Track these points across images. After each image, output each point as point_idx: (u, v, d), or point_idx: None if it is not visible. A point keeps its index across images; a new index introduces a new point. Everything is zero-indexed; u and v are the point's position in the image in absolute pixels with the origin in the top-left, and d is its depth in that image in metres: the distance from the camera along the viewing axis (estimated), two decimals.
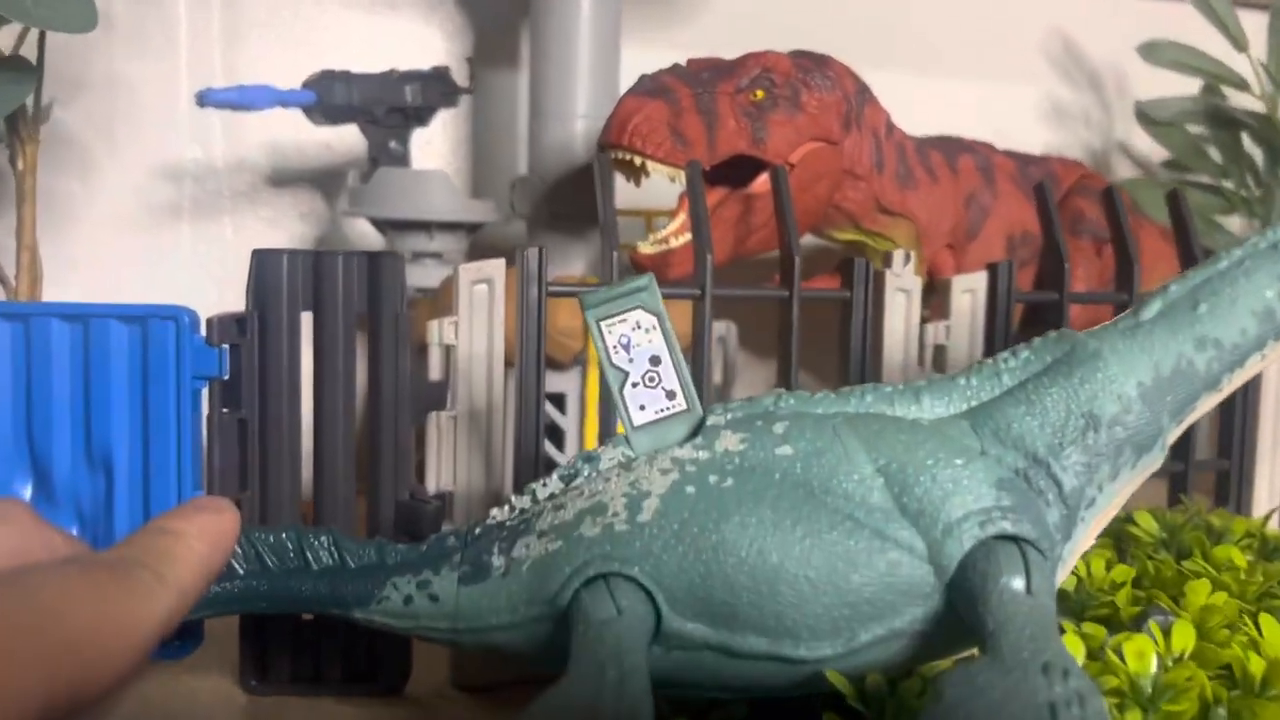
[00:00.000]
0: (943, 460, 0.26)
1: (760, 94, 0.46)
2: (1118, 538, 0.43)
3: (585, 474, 0.28)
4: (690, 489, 0.26)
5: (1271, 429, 0.52)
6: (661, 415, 0.28)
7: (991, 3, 0.82)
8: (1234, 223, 0.74)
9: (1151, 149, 0.82)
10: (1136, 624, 0.31)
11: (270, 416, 0.37)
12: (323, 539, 0.30)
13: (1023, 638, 0.22)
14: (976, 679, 0.21)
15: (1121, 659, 0.27)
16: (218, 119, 0.66)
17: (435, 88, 0.56)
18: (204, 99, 0.53)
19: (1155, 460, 0.28)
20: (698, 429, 0.28)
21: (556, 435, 0.53)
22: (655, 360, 0.28)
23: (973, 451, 0.26)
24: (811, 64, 0.49)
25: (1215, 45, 0.72)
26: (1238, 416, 0.51)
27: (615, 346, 0.28)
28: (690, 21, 0.74)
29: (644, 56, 0.64)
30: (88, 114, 0.65)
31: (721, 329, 0.59)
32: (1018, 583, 0.24)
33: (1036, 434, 0.26)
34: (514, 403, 0.39)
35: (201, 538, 0.26)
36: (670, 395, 0.28)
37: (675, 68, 0.47)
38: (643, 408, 0.28)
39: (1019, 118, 0.83)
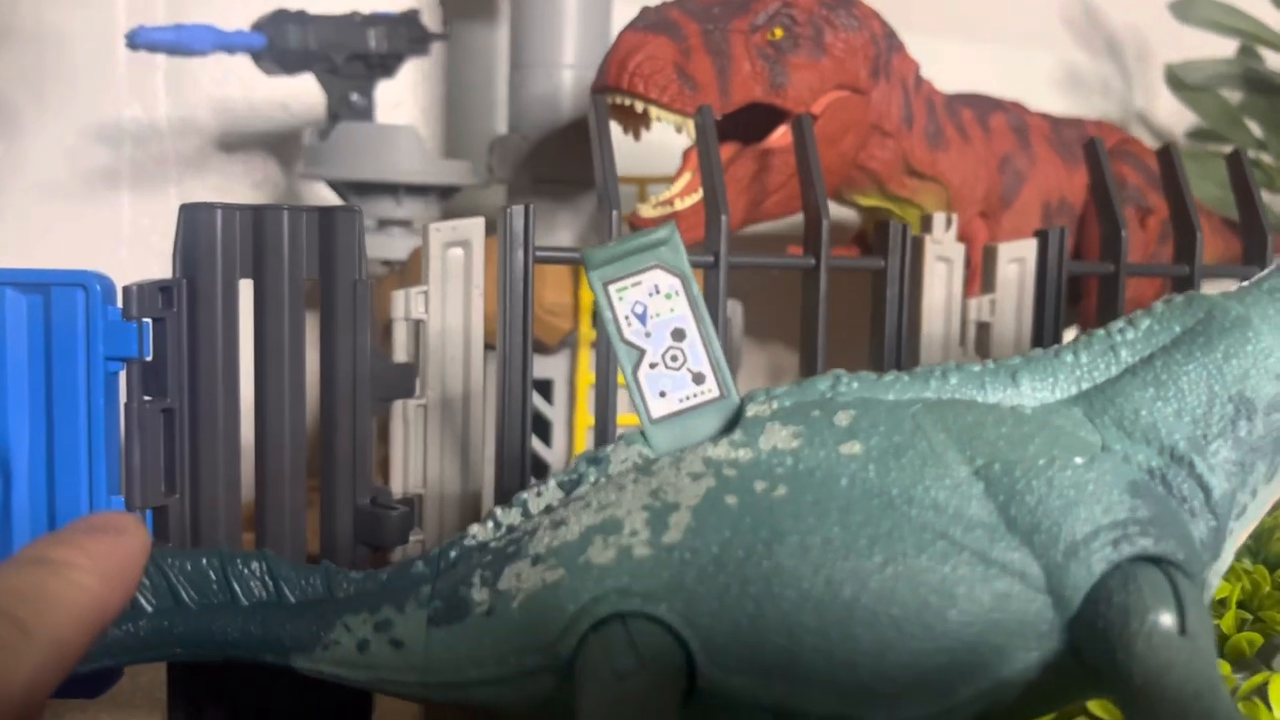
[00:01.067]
0: (1059, 459, 0.20)
1: (779, 32, 0.40)
2: None
3: (591, 480, 0.22)
4: (731, 499, 0.20)
5: None
6: (688, 404, 0.22)
7: None
8: (1270, 198, 0.69)
9: (1174, 120, 0.77)
10: (1264, 658, 0.26)
11: (202, 405, 0.31)
12: (254, 565, 0.23)
13: (1185, 695, 0.17)
14: None
15: (1267, 704, 0.22)
16: (160, 73, 0.60)
17: (403, 32, 0.49)
18: (135, 39, 0.46)
19: None
20: (735, 421, 0.22)
21: (542, 427, 0.47)
22: (679, 334, 0.22)
23: (1094, 447, 0.20)
24: (836, 1, 0.43)
25: (1254, 3, 0.67)
26: None
27: (628, 317, 0.22)
28: None
29: (628, 10, 0.58)
30: (12, 67, 0.58)
31: (726, 309, 0.53)
32: (1168, 619, 0.18)
33: (1173, 424, 0.21)
34: (495, 389, 0.33)
35: (93, 570, 0.20)
36: (698, 379, 0.22)
37: (681, 1, 0.41)
38: (663, 394, 0.22)
39: (1033, 85, 0.78)
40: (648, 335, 0.22)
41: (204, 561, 0.23)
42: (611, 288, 0.22)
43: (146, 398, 0.31)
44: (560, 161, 0.50)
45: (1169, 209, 0.43)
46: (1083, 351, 0.22)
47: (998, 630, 0.19)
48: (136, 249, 0.61)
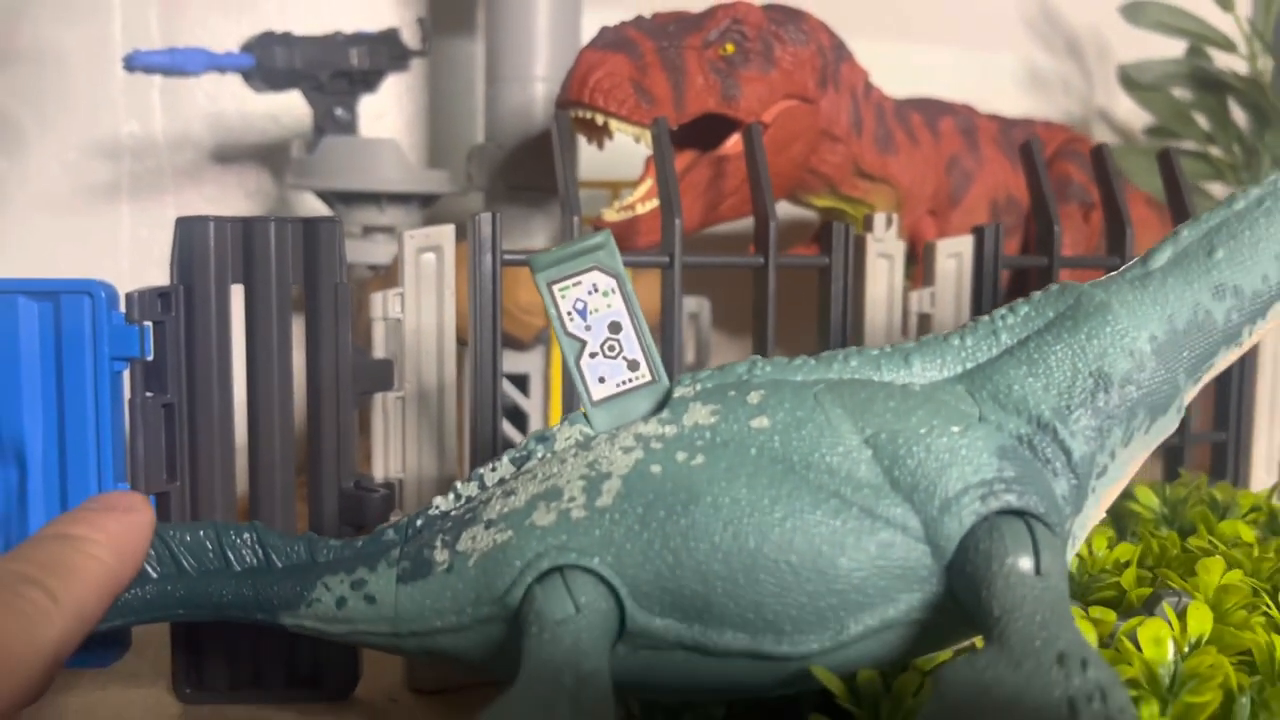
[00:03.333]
0: (937, 428, 0.23)
1: (730, 48, 0.43)
2: (1117, 515, 0.40)
3: (539, 456, 0.25)
4: (656, 468, 0.23)
5: (1269, 400, 0.50)
6: (623, 388, 0.25)
7: None
8: (1220, 190, 0.72)
9: (1133, 116, 0.80)
10: (1147, 607, 0.29)
11: (199, 400, 0.34)
12: (245, 536, 0.26)
13: (1033, 624, 0.20)
14: (984, 674, 0.19)
15: (1136, 646, 0.25)
16: (156, 90, 0.63)
17: (384, 50, 0.52)
18: (132, 62, 0.49)
19: (1170, 424, 0.25)
20: (664, 402, 0.25)
21: (519, 419, 0.50)
22: (615, 327, 0.25)
23: (970, 418, 0.23)
24: (785, 16, 0.46)
25: (1201, 5, 0.70)
26: (1233, 388, 0.49)
27: (570, 313, 0.25)
28: None
29: (608, 14, 0.61)
30: (14, 86, 0.61)
31: (694, 305, 0.56)
32: (1025, 562, 0.21)
33: (1041, 396, 0.24)
34: (469, 381, 0.36)
35: (107, 544, 0.23)
36: (633, 366, 0.25)
37: (639, 20, 0.44)
38: (602, 380, 0.25)
39: (997, 85, 0.81)
40: (588, 328, 0.25)
41: (201, 533, 0.26)
42: (555, 287, 0.25)
43: (148, 394, 0.34)
44: (534, 169, 0.53)
45: (1102, 203, 0.46)
46: (968, 336, 0.25)
47: (883, 574, 0.22)
48: (136, 257, 0.64)
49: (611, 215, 0.44)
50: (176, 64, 0.49)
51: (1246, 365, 0.49)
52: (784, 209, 0.54)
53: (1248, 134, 0.69)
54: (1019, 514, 0.22)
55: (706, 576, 0.22)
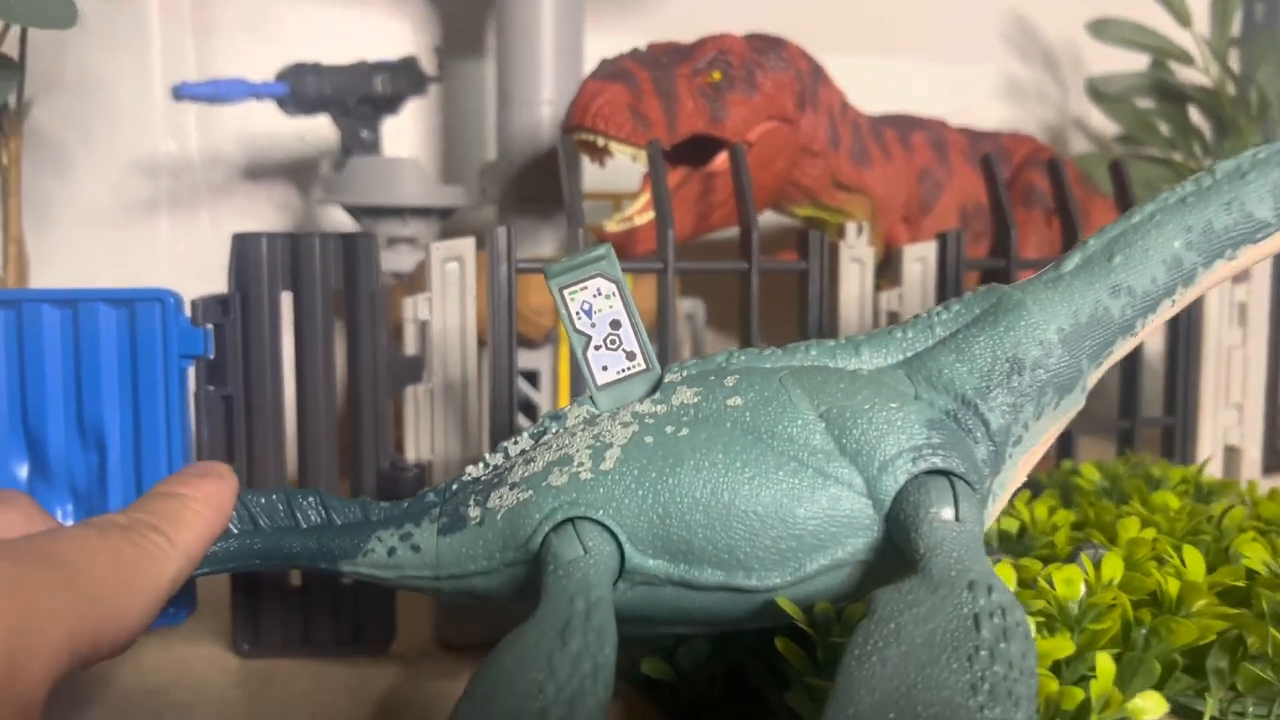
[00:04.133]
0: (878, 404, 0.28)
1: (717, 75, 0.48)
2: (1064, 488, 0.45)
3: (553, 430, 0.30)
4: (649, 439, 0.28)
5: (1213, 386, 0.55)
6: (622, 375, 0.30)
7: None
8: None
9: (1105, 124, 0.85)
10: (1071, 558, 0.33)
11: (254, 392, 0.39)
12: (310, 499, 0.32)
13: (950, 559, 0.24)
14: (908, 596, 0.23)
15: (1051, 586, 0.30)
16: (192, 113, 0.68)
17: (404, 77, 0.57)
18: (179, 93, 0.54)
19: (1077, 402, 0.30)
20: (656, 386, 0.30)
21: (531, 411, 0.55)
22: (615, 324, 0.30)
23: (907, 396, 0.28)
24: (766, 45, 0.50)
25: (1163, 21, 0.74)
26: (1180, 375, 0.53)
27: (578, 313, 0.30)
28: (653, 7, 0.76)
29: (608, 42, 0.66)
30: (63, 111, 0.66)
31: (689, 306, 0.61)
32: (947, 512, 0.26)
33: (965, 378, 0.29)
34: (488, 376, 0.41)
35: (206, 502, 0.28)
36: (630, 356, 0.30)
37: (635, 52, 0.49)
38: (605, 368, 0.30)
39: (976, 96, 0.86)
40: (593, 326, 0.30)
41: (274, 497, 0.31)
42: (565, 292, 0.30)
43: (210, 387, 0.39)
44: (542, 184, 0.58)
45: (1057, 210, 0.51)
46: (909, 329, 0.30)
47: (833, 522, 0.27)
48: (174, 267, 0.69)
49: (612, 227, 0.49)
50: (219, 93, 0.54)
51: (1192, 355, 0.54)
52: (769, 218, 0.59)
53: (1209, 140, 0.74)
54: (943, 473, 0.27)
55: (690, 525, 0.27)
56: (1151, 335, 0.32)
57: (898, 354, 0.30)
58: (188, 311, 0.38)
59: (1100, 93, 0.75)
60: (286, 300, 0.39)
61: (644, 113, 0.47)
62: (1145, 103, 0.76)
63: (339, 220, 0.67)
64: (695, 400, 0.29)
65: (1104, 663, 0.26)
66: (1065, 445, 0.51)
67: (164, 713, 0.35)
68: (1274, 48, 0.72)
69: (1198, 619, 0.31)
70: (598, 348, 0.30)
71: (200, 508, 0.27)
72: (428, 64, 0.60)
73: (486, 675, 0.24)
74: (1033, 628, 0.27)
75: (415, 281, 0.55)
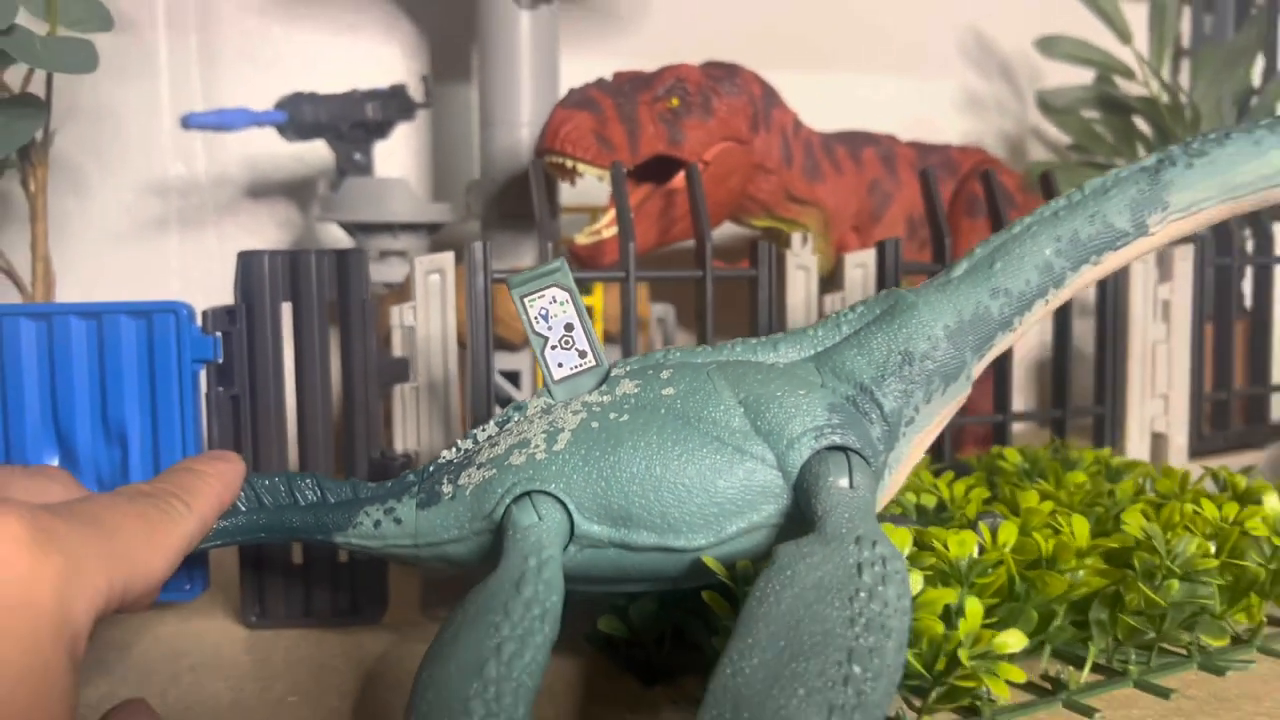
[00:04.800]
0: (788, 392, 0.33)
1: (675, 101, 0.53)
2: (990, 470, 0.50)
3: (515, 419, 0.35)
4: (595, 424, 0.33)
5: (1139, 378, 0.59)
6: (575, 371, 0.35)
7: (912, 3, 0.89)
8: None
9: (1060, 133, 0.90)
10: (972, 526, 0.38)
11: (259, 392, 0.44)
12: (308, 480, 0.36)
13: (843, 519, 0.29)
14: (804, 548, 0.28)
15: (946, 547, 0.34)
16: (199, 138, 0.73)
17: (394, 104, 0.62)
18: (188, 122, 0.59)
19: (963, 388, 0.35)
20: (604, 379, 0.35)
21: None
22: (569, 327, 0.35)
23: (814, 385, 0.33)
24: (722, 73, 0.55)
25: (1107, 38, 0.79)
26: (1109, 368, 0.58)
27: (537, 317, 0.35)
28: (626, 31, 0.81)
29: (585, 63, 0.71)
30: (80, 139, 0.71)
31: (661, 310, 0.66)
32: (842, 480, 0.31)
33: (864, 369, 0.34)
34: (468, 376, 0.46)
35: (218, 478, 0.33)
36: (582, 355, 0.35)
37: (600, 81, 0.54)
38: (560, 365, 0.35)
39: (939, 108, 0.91)
40: (549, 328, 0.35)
41: (276, 479, 0.36)
42: (526, 300, 0.35)
43: (219, 388, 0.44)
44: (522, 200, 0.63)
45: (990, 221, 0.56)
46: (820, 328, 0.35)
47: (749, 491, 0.31)
48: (184, 280, 0.74)
49: (582, 239, 0.54)
50: (224, 122, 0.59)
51: (1119, 349, 0.58)
52: (730, 228, 0.64)
53: (1152, 147, 0.79)
54: (841, 449, 0.32)
55: (628, 495, 0.31)
56: (1032, 329, 0.36)
57: (809, 349, 0.35)
58: (199, 321, 0.43)
59: (1049, 105, 0.80)
60: (287, 310, 0.44)
61: (608, 137, 0.51)
62: (1092, 113, 0.80)
63: (335, 235, 0.72)
64: (635, 391, 0.33)
65: (973, 606, 0.30)
66: (999, 434, 0.55)
67: (182, 674, 0.40)
68: (1210, 61, 0.76)
69: (1084, 575, 0.35)
70: (554, 347, 0.35)
71: (214, 482, 0.32)
72: (416, 91, 0.65)
73: (455, 619, 0.28)
74: (920, 581, 0.31)
75: (403, 291, 0.60)
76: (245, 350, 0.44)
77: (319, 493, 0.36)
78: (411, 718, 0.27)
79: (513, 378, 0.59)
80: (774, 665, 0.25)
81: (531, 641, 0.27)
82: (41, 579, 0.22)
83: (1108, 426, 0.58)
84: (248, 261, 0.44)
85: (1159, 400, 0.60)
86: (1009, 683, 0.30)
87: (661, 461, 0.32)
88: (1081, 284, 0.35)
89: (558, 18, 0.63)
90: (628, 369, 0.35)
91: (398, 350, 0.46)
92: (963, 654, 0.29)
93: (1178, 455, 0.60)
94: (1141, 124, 0.80)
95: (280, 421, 0.44)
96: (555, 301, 0.35)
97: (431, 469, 0.35)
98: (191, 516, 0.30)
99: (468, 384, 0.45)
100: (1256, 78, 0.88)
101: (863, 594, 0.26)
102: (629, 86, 0.53)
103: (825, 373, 0.34)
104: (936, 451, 0.53)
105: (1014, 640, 0.30)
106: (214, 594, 0.47)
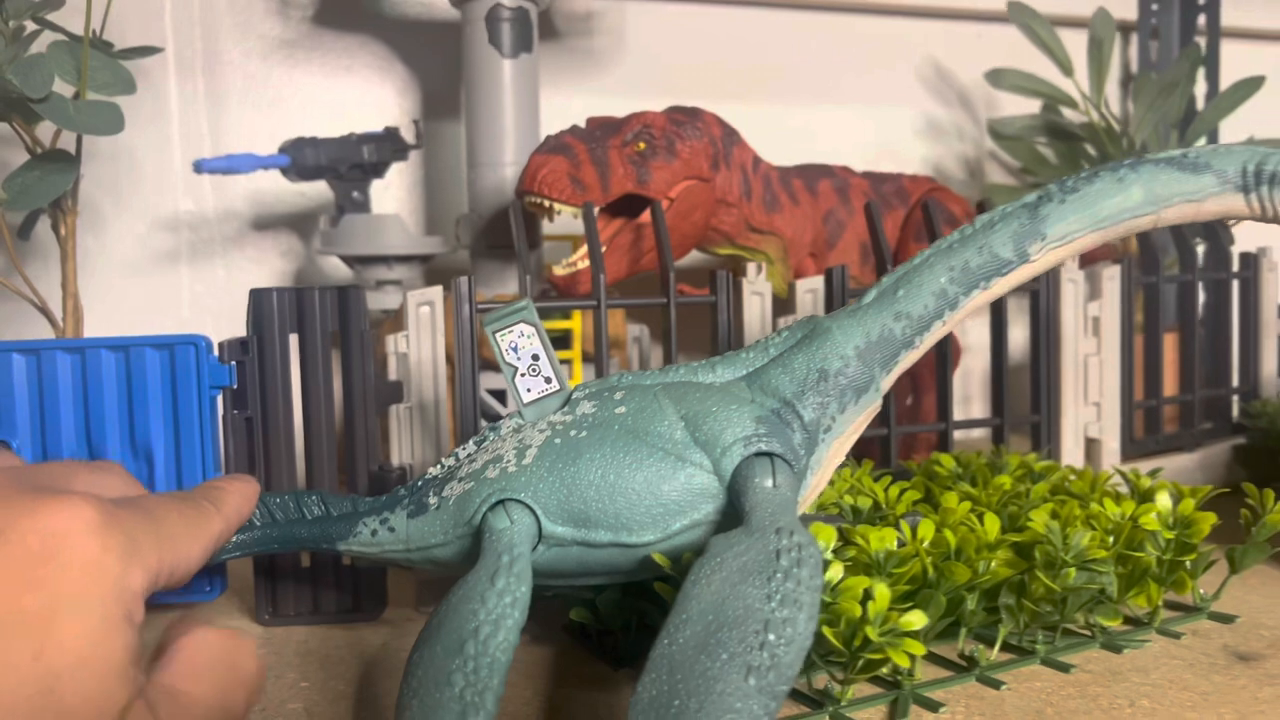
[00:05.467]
0: (722, 407, 0.38)
1: (642, 145, 0.59)
2: (928, 475, 0.55)
3: (491, 438, 0.40)
4: (557, 440, 0.38)
5: (1073, 388, 0.65)
6: (542, 395, 0.40)
7: (873, 38, 0.95)
8: None
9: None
10: (896, 524, 0.44)
11: (270, 414, 0.49)
12: (313, 498, 0.42)
13: (766, 514, 0.34)
14: (732, 539, 0.33)
15: (867, 542, 0.40)
16: (207, 177, 0.78)
17: (388, 146, 0.68)
18: (200, 167, 0.64)
19: (873, 399, 0.40)
20: (566, 402, 0.40)
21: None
22: (536, 357, 0.40)
23: (744, 400, 0.39)
24: (684, 118, 0.61)
25: (1049, 71, 0.85)
26: (1044, 379, 0.63)
27: (508, 349, 0.40)
28: (603, 71, 0.87)
29: (565, 100, 0.77)
30: (98, 179, 0.76)
31: (637, 331, 0.72)
32: (768, 481, 0.36)
33: (787, 385, 0.39)
34: (456, 397, 0.51)
35: (238, 493, 0.38)
36: (548, 381, 0.40)
37: (574, 128, 0.59)
38: (529, 390, 0.40)
39: (901, 136, 0.96)
40: (519, 359, 0.40)
41: (286, 497, 0.42)
42: (498, 334, 0.40)
43: (235, 411, 0.49)
44: (507, 232, 0.68)
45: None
46: (751, 351, 0.40)
47: (690, 494, 0.36)
48: (194, 309, 0.79)
49: (559, 270, 0.59)
50: (233, 166, 0.64)
51: (1053, 362, 0.64)
52: (697, 256, 0.70)
53: None
54: (767, 454, 0.37)
55: (587, 500, 0.37)
56: (932, 343, 0.41)
57: (742, 370, 0.40)
58: (216, 352, 0.49)
59: (999, 133, 0.85)
60: (294, 341, 0.50)
61: (581, 179, 0.57)
62: (1040, 140, 0.86)
63: (336, 266, 0.78)
64: (592, 411, 0.39)
65: (881, 590, 0.36)
66: (942, 441, 0.61)
67: None
68: (1148, 90, 0.82)
69: (995, 566, 0.41)
70: (523, 375, 0.40)
71: (234, 494, 0.37)
72: (408, 133, 0.70)
73: (440, 609, 0.34)
74: (841, 570, 0.37)
75: (398, 320, 0.65)
76: (257, 377, 0.49)
77: (323, 508, 0.41)
78: (405, 691, 0.32)
79: (500, 396, 0.64)
80: (703, 635, 0.30)
81: (504, 624, 0.32)
82: (109, 552, 0.27)
83: (1044, 433, 0.64)
84: (259, 298, 0.49)
85: (1092, 408, 0.65)
86: (914, 656, 0.35)
87: (615, 470, 0.37)
88: (974, 306, 0.41)
89: (538, 65, 0.69)
90: (586, 392, 0.40)
91: (393, 374, 0.51)
92: (871, 631, 0.35)
93: (1110, 458, 0.66)
94: (1088, 148, 0.86)
95: (289, 440, 0.49)
96: (523, 335, 0.40)
97: (420, 484, 0.41)
98: (219, 517, 0.35)
99: (457, 403, 0.50)
100: (1202, 102, 0.94)
101: (779, 575, 0.31)
102: (600, 132, 0.59)
103: (754, 390, 0.39)
104: (883, 457, 0.59)
105: (916, 619, 0.35)
106: (231, 596, 0.52)
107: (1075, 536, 0.42)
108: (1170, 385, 0.73)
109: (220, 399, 0.49)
